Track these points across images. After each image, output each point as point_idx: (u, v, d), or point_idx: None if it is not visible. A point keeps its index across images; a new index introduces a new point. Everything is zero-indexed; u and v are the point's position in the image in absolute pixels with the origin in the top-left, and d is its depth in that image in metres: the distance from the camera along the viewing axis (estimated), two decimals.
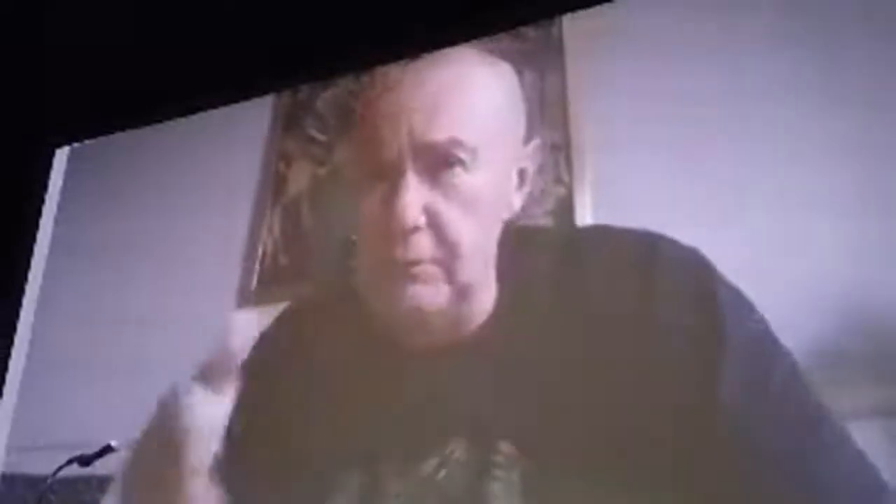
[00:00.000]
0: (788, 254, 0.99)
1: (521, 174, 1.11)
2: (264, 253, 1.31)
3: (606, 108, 1.13)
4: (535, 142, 1.13)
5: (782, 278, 0.97)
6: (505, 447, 1.00)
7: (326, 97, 1.37)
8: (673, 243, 1.00)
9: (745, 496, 0.90)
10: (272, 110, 1.40)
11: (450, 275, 1.05)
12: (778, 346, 0.92)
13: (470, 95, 1.12)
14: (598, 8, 1.19)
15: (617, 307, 1.00)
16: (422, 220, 1.06)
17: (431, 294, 1.05)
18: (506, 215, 1.09)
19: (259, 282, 1.30)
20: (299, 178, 1.34)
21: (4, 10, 1.60)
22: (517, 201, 1.10)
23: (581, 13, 1.20)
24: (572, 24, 1.20)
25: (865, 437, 0.88)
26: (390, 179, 1.08)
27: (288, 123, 1.39)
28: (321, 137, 1.35)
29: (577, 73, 1.17)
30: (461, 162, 1.06)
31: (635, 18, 1.17)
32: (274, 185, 1.35)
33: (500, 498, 0.98)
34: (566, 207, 1.11)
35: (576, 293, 1.03)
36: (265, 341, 1.21)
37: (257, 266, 1.31)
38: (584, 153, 1.13)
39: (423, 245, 1.06)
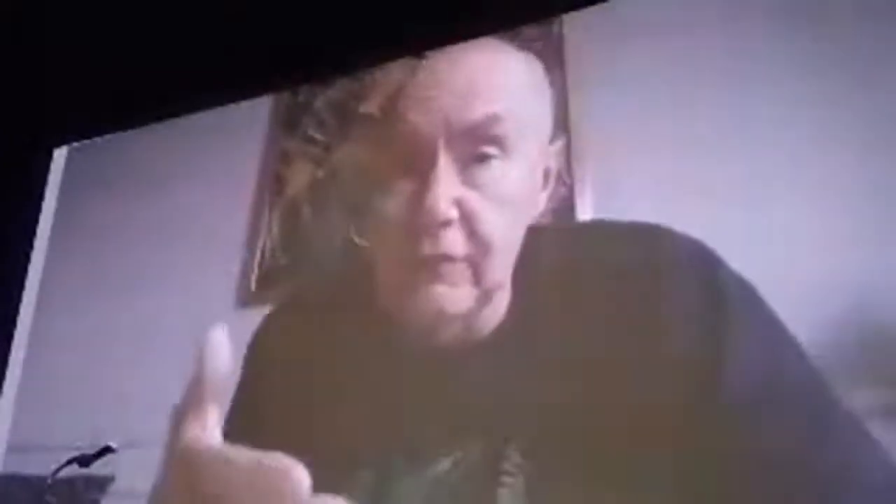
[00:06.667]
0: (788, 254, 0.99)
1: (546, 174, 1.06)
2: (263, 253, 1.31)
3: (607, 107, 1.13)
4: (560, 142, 1.09)
5: (782, 278, 0.97)
6: (514, 450, 0.97)
7: (326, 98, 1.36)
8: (675, 235, 0.98)
9: (756, 495, 0.88)
10: (271, 110, 1.40)
11: (478, 276, 1.00)
12: (787, 335, 0.90)
13: (505, 80, 1.07)
14: (599, 7, 1.19)
15: (622, 305, 0.97)
16: (454, 213, 0.99)
17: (457, 297, 0.99)
18: (533, 215, 1.05)
19: (258, 282, 1.30)
20: (298, 179, 1.34)
21: (3, 9, 1.60)
22: (542, 202, 1.06)
23: (582, 12, 1.20)
24: (573, 23, 1.20)
25: None
26: (420, 171, 1.01)
27: (287, 124, 1.38)
28: (320, 138, 1.34)
29: (577, 72, 1.16)
30: (497, 149, 1.00)
31: (637, 17, 1.17)
32: (273, 185, 1.35)
33: (507, 500, 0.95)
34: (567, 207, 1.11)
35: (580, 292, 0.99)
36: (259, 340, 1.17)
37: (256, 266, 1.31)
38: (585, 152, 1.12)
39: (454, 240, 0.99)
